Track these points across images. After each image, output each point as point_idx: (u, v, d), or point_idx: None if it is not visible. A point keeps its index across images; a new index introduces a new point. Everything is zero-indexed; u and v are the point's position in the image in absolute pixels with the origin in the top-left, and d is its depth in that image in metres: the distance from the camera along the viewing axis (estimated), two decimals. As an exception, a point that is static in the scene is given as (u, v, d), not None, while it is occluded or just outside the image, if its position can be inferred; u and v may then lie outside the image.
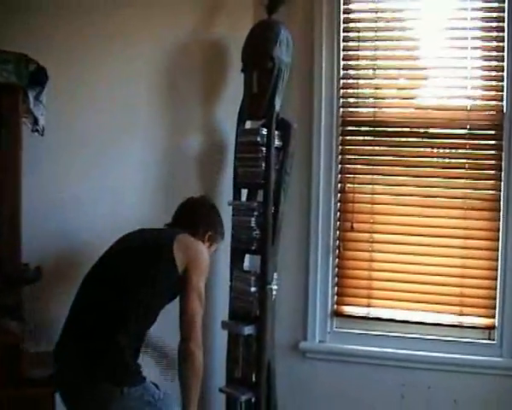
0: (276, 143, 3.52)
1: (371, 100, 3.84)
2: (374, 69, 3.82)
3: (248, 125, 3.72)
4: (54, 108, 3.29)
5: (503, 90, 3.59)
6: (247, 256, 3.75)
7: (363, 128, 3.84)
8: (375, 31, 3.81)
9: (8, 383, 2.91)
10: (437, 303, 3.74)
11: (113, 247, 2.92)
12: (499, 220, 3.63)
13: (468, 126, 3.67)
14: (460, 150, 3.70)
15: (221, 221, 3.26)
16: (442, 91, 3.78)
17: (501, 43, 3.58)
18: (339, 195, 3.86)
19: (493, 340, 3.67)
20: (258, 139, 3.49)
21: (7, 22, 3.37)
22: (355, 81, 3.85)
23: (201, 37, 3.81)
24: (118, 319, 2.65)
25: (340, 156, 3.84)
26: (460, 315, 3.72)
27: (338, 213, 3.87)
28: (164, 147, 3.72)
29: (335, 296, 3.90)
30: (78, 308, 2.79)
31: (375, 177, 3.81)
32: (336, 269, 3.89)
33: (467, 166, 3.68)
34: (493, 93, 3.65)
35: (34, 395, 2.97)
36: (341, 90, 3.83)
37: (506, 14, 3.54)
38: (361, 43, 3.83)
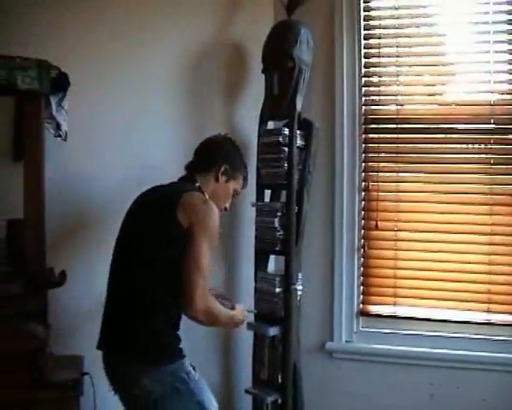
0: (299, 142, 3.51)
1: (394, 97, 3.82)
2: (396, 66, 3.80)
3: (270, 125, 3.72)
4: (77, 112, 3.30)
5: (526, 84, 3.55)
6: (272, 259, 3.74)
7: (386, 126, 3.81)
8: (397, 27, 3.79)
9: (34, 386, 2.92)
10: (464, 301, 3.70)
11: (128, 214, 2.90)
12: (526, 215, 3.58)
13: (492, 121, 3.63)
14: (485, 145, 3.66)
15: (242, 160, 3.10)
16: (465, 86, 3.76)
17: (524, 36, 3.54)
18: (363, 193, 3.84)
19: (522, 337, 3.62)
20: (281, 139, 3.48)
21: (28, 29, 3.40)
22: (377, 79, 3.83)
23: (222, 38, 3.82)
24: (147, 302, 2.65)
25: (363, 154, 3.82)
26: (488, 312, 3.67)
27: (362, 212, 3.85)
28: (186, 148, 3.71)
29: (361, 296, 3.88)
30: (109, 293, 2.82)
31: (400, 174, 3.79)
32: (361, 268, 3.87)
33: (492, 161, 3.65)
34: (517, 86, 3.61)
35: (59, 398, 2.98)
36: (363, 88, 3.82)
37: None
38: (382, 40, 3.81)
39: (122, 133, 3.58)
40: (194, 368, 2.72)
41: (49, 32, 3.42)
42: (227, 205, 3.04)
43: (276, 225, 3.49)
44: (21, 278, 3.07)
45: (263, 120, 3.66)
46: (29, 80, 3.03)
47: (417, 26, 3.79)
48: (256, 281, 3.63)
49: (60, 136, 3.29)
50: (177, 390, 2.64)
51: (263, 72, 3.62)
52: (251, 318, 3.60)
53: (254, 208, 3.61)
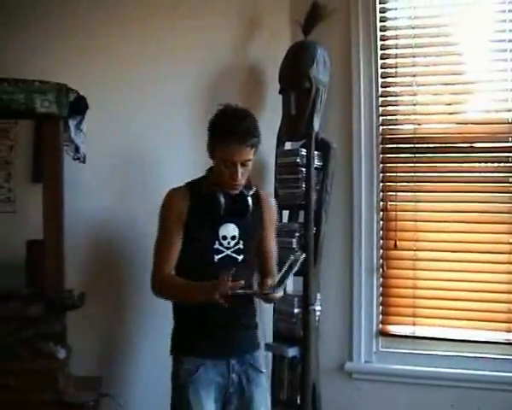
0: (316, 163, 3.52)
1: (411, 117, 3.81)
2: (413, 85, 3.79)
3: (288, 146, 3.74)
4: (95, 135, 3.33)
5: (544, 102, 3.54)
6: (291, 279, 3.72)
7: (403, 145, 3.81)
8: (413, 47, 3.79)
9: (53, 407, 2.93)
10: (484, 320, 3.67)
11: None
12: (545, 234, 3.56)
13: (510, 139, 3.61)
14: (503, 164, 3.64)
15: (221, 125, 2.75)
16: (483, 105, 3.75)
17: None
18: (381, 213, 3.83)
19: (543, 357, 3.59)
20: (298, 160, 3.50)
21: (47, 53, 3.43)
22: (394, 98, 3.83)
23: (239, 59, 3.84)
24: None
25: (381, 174, 3.82)
26: (508, 332, 3.64)
27: (381, 232, 3.84)
28: (204, 169, 3.73)
29: (380, 316, 3.86)
30: None
31: (418, 194, 3.78)
32: (380, 288, 3.85)
33: (511, 179, 3.63)
34: (535, 105, 3.60)
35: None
36: (380, 108, 3.82)
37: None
38: (399, 60, 3.81)
39: (140, 156, 3.59)
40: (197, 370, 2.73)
41: (67, 56, 3.45)
42: (229, 180, 2.70)
43: (295, 245, 3.50)
44: (41, 300, 3.09)
45: (280, 141, 3.68)
46: (47, 104, 3.05)
47: (434, 45, 3.78)
48: (275, 302, 3.61)
49: (78, 158, 3.31)
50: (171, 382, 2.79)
51: (280, 92, 3.64)
52: (269, 338, 3.59)
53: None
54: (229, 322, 2.71)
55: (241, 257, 2.75)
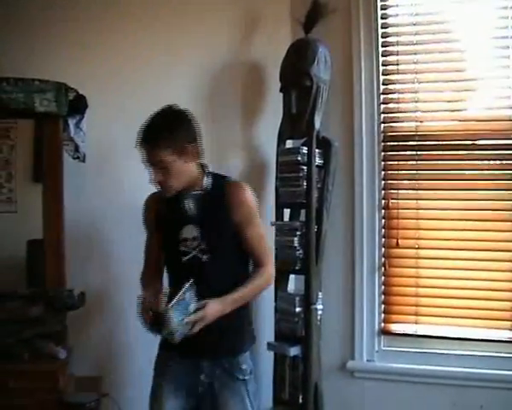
0: (318, 161, 3.51)
1: (413, 114, 3.79)
2: (414, 82, 3.77)
3: (289, 144, 3.72)
4: (94, 134, 3.32)
5: (547, 98, 3.52)
6: (292, 278, 3.72)
7: (405, 143, 3.78)
8: (415, 44, 3.76)
9: (55, 407, 2.93)
10: (487, 319, 3.65)
11: None
12: (550, 232, 3.54)
13: (512, 136, 3.59)
14: (506, 161, 3.61)
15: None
16: (485, 102, 3.72)
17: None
18: (383, 211, 3.80)
19: (547, 355, 3.57)
20: (299, 158, 3.48)
21: (46, 52, 3.43)
22: (395, 96, 3.80)
23: (239, 57, 3.83)
24: None
25: (382, 172, 3.80)
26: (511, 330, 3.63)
27: (382, 230, 3.82)
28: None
29: (382, 314, 3.84)
30: None
31: (420, 192, 3.76)
32: (382, 287, 3.83)
33: (513, 176, 3.61)
34: (538, 101, 3.58)
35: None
36: (382, 106, 3.80)
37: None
38: (400, 57, 3.78)
39: (139, 157, 3.58)
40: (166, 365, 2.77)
41: (67, 54, 3.46)
42: (154, 183, 2.68)
43: (296, 244, 3.49)
44: (41, 300, 3.09)
45: (281, 139, 3.66)
46: (47, 103, 3.07)
47: (436, 42, 3.75)
48: (276, 300, 3.61)
49: (78, 157, 3.31)
50: None
51: (281, 90, 3.62)
52: (271, 337, 3.58)
53: (274, 228, 3.59)
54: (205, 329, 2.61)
55: (205, 257, 2.68)
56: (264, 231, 2.80)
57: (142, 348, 3.46)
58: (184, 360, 2.70)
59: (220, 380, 2.71)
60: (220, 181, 2.75)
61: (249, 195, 2.74)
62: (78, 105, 3.20)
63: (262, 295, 3.64)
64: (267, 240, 2.85)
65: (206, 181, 2.72)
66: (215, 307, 2.54)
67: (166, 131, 2.59)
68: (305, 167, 3.48)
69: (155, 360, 2.80)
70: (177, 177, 2.63)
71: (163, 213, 2.76)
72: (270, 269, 2.79)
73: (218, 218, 2.69)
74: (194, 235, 2.69)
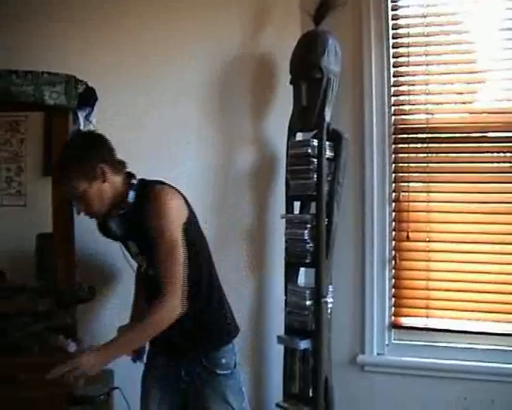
0: (328, 153, 3.48)
1: (424, 106, 3.76)
2: (425, 75, 3.75)
3: (299, 136, 3.69)
4: (103, 127, 3.31)
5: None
6: (302, 271, 3.71)
7: (416, 135, 3.75)
8: (426, 36, 3.73)
9: (64, 402, 2.92)
10: (498, 312, 3.62)
11: None
12: (562, 225, 3.51)
13: (524, 128, 3.56)
14: (518, 154, 3.59)
15: None
16: (496, 94, 3.69)
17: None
18: (393, 204, 3.78)
19: (560, 349, 3.54)
20: (310, 151, 3.46)
21: (56, 45, 3.42)
22: (406, 88, 3.77)
23: (249, 50, 3.80)
24: None
25: (393, 165, 3.78)
26: (523, 324, 3.60)
27: (393, 223, 3.79)
28: (215, 161, 3.72)
29: (393, 308, 3.82)
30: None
31: (430, 184, 3.73)
32: (393, 280, 3.81)
33: (526, 169, 3.58)
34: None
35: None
36: (393, 98, 3.77)
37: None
38: (411, 49, 3.75)
39: (148, 148, 3.58)
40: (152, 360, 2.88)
41: (76, 47, 3.46)
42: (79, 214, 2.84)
43: (306, 237, 3.46)
44: (51, 293, 3.08)
45: (291, 132, 3.64)
46: (56, 95, 3.05)
47: (446, 34, 3.72)
48: (286, 294, 3.59)
49: (87, 150, 3.29)
50: None
51: (291, 83, 3.60)
52: (280, 331, 3.56)
53: (284, 220, 3.57)
54: (170, 334, 2.59)
55: (151, 270, 2.70)
56: (174, 253, 2.56)
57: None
58: (166, 359, 2.78)
59: (200, 377, 2.73)
60: (144, 190, 2.67)
61: (160, 205, 2.57)
62: (88, 98, 3.18)
63: (271, 289, 3.67)
64: (177, 264, 2.55)
65: (131, 196, 2.67)
66: (88, 358, 2.47)
67: (71, 162, 2.58)
68: (315, 160, 3.46)
69: (146, 355, 2.91)
70: (96, 201, 2.61)
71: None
72: (166, 301, 2.52)
73: (146, 230, 2.59)
74: (136, 250, 2.75)
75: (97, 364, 2.48)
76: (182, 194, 2.75)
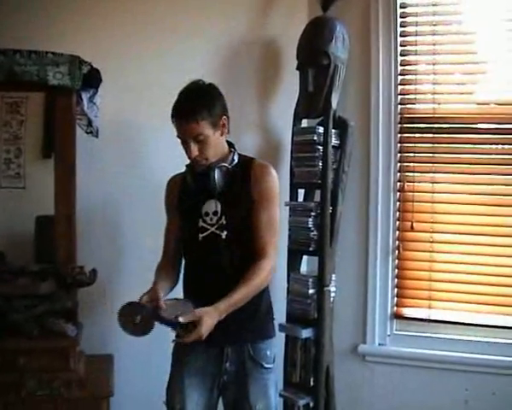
0: (334, 141, 3.46)
1: (430, 96, 3.73)
2: (433, 64, 3.71)
3: (305, 123, 3.67)
4: (108, 109, 3.28)
5: None
6: (305, 259, 3.68)
7: (422, 125, 3.73)
8: (434, 25, 3.70)
9: (64, 385, 2.90)
10: (501, 305, 3.61)
11: None
12: None
13: (531, 120, 3.53)
14: (524, 146, 3.57)
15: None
16: (504, 85, 3.65)
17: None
18: (398, 194, 3.76)
19: None
20: (315, 138, 3.43)
21: (61, 25, 3.39)
22: (413, 77, 3.74)
23: (256, 35, 3.78)
24: None
25: (398, 154, 3.75)
26: (526, 317, 3.59)
27: (397, 213, 3.77)
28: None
29: (395, 298, 3.80)
30: None
31: (435, 175, 3.71)
32: (396, 270, 3.79)
33: (531, 161, 3.55)
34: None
35: (90, 397, 2.96)
36: (399, 87, 3.74)
37: None
38: (419, 38, 3.72)
39: (153, 132, 3.55)
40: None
41: (81, 27, 3.45)
42: (189, 157, 2.69)
43: (310, 225, 3.44)
44: (52, 276, 3.05)
45: (297, 118, 3.61)
46: (60, 76, 3.03)
47: (455, 24, 3.69)
48: (288, 282, 3.56)
49: (91, 132, 3.28)
50: None
51: (297, 69, 3.57)
52: (282, 319, 3.54)
53: (288, 208, 3.54)
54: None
55: (224, 233, 2.66)
56: (277, 222, 2.73)
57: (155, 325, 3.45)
58: (207, 349, 2.66)
59: (245, 367, 2.68)
60: (247, 159, 2.78)
61: (272, 177, 2.74)
62: (92, 79, 3.15)
63: (273, 276, 3.62)
64: (277, 233, 2.75)
65: (234, 158, 2.74)
66: (210, 323, 2.43)
67: (204, 104, 2.62)
68: (320, 147, 3.43)
69: (174, 347, 2.76)
70: (212, 149, 2.66)
71: (186, 191, 2.76)
72: (269, 264, 2.67)
73: (241, 195, 2.68)
74: (214, 210, 2.67)
75: (213, 326, 2.46)
76: None
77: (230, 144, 2.79)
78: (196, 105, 2.61)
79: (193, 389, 2.69)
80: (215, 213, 2.67)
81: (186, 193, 2.77)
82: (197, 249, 2.70)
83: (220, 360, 2.68)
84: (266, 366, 2.71)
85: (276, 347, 2.80)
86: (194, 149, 2.62)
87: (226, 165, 2.68)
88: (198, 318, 2.40)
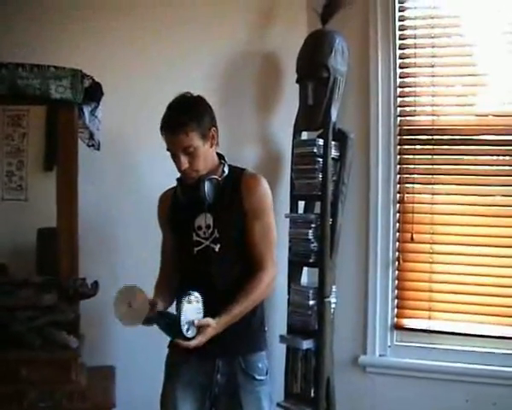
0: (333, 153, 3.48)
1: (429, 108, 3.75)
2: (432, 76, 3.73)
3: (305, 136, 3.69)
4: (109, 122, 3.30)
5: None
6: (305, 271, 3.70)
7: (421, 137, 3.74)
8: (432, 37, 3.73)
9: (66, 397, 2.91)
10: (501, 316, 3.62)
11: None
12: None
13: (529, 132, 3.55)
14: (522, 157, 3.58)
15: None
16: (502, 97, 3.67)
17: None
18: (397, 205, 3.78)
19: None
20: (315, 150, 3.45)
21: (63, 39, 3.41)
22: (412, 89, 3.76)
23: (256, 48, 3.81)
24: None
25: (398, 166, 3.77)
26: (526, 328, 3.59)
27: (397, 225, 3.79)
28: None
29: (395, 309, 3.81)
30: None
31: (435, 186, 3.73)
32: (396, 281, 3.80)
33: (530, 172, 3.57)
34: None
35: (92, 408, 2.98)
36: (398, 99, 3.76)
37: None
38: (418, 51, 3.74)
39: (154, 144, 3.55)
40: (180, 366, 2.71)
41: (83, 42, 3.46)
42: (178, 170, 2.67)
43: (311, 236, 3.46)
44: (54, 288, 3.06)
45: (297, 131, 3.64)
46: (62, 90, 3.05)
47: (453, 35, 3.73)
48: (289, 293, 3.58)
49: (93, 145, 3.29)
50: None
51: (297, 82, 3.59)
52: (283, 330, 3.55)
53: (288, 220, 3.56)
54: None
55: (217, 247, 2.64)
56: (273, 232, 2.72)
57: (156, 337, 3.45)
58: (199, 361, 2.64)
59: (236, 379, 2.66)
60: (237, 171, 2.75)
61: (263, 188, 2.71)
62: (94, 93, 3.17)
63: (275, 288, 3.64)
64: (274, 243, 2.72)
65: (224, 169, 2.72)
66: (210, 334, 2.46)
67: (193, 116, 2.61)
68: (320, 159, 3.46)
69: (166, 359, 2.76)
70: (202, 161, 2.64)
71: (177, 205, 2.75)
72: (268, 275, 2.66)
73: (232, 207, 2.66)
74: (207, 223, 2.65)
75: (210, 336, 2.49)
76: None
77: (221, 156, 2.77)
78: (185, 117, 2.60)
79: (185, 401, 2.67)
80: (208, 226, 2.65)
81: (177, 207, 2.75)
82: (193, 263, 2.69)
83: (211, 372, 2.66)
84: (258, 377, 2.69)
85: (267, 359, 2.77)
86: (184, 161, 2.61)
87: (216, 177, 2.66)
88: (207, 324, 2.44)
